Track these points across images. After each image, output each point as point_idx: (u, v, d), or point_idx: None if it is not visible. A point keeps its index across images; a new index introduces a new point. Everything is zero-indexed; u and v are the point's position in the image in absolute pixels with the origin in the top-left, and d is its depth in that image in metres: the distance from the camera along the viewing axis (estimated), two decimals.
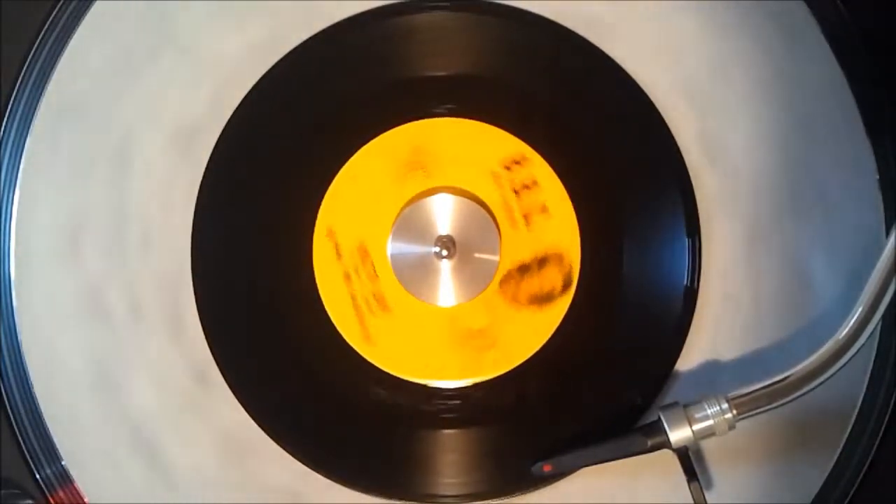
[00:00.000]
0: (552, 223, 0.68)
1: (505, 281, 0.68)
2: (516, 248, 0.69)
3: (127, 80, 0.69)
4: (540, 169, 0.68)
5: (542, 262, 0.68)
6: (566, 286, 0.68)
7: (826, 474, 0.68)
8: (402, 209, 0.69)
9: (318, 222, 0.69)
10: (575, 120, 0.69)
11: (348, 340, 0.69)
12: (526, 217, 0.68)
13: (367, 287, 0.69)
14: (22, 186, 0.69)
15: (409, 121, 0.69)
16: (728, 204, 0.69)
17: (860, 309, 0.63)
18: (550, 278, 0.68)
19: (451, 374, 0.69)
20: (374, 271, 0.69)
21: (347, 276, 0.69)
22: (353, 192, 0.69)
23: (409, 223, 0.68)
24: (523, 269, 0.68)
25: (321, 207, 0.68)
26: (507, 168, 0.68)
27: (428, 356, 0.69)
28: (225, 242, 0.69)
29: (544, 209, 0.68)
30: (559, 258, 0.68)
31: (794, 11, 0.69)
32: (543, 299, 0.68)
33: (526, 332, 0.68)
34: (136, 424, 0.69)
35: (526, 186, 0.68)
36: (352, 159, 0.69)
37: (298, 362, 0.69)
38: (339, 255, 0.69)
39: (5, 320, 0.69)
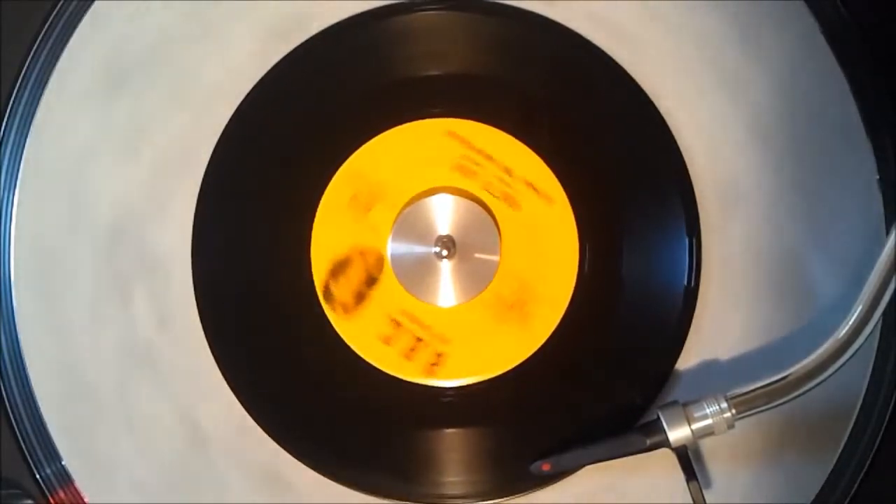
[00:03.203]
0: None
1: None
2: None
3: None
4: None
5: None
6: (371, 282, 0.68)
7: (826, 474, 0.68)
8: (402, 209, 0.69)
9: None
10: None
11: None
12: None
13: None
14: (22, 186, 0.69)
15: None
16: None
17: (860, 308, 0.63)
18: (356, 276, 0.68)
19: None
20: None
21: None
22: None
23: (409, 223, 0.68)
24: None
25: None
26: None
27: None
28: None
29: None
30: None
31: (794, 11, 0.69)
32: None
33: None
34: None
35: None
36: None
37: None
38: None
39: (5, 320, 0.69)
